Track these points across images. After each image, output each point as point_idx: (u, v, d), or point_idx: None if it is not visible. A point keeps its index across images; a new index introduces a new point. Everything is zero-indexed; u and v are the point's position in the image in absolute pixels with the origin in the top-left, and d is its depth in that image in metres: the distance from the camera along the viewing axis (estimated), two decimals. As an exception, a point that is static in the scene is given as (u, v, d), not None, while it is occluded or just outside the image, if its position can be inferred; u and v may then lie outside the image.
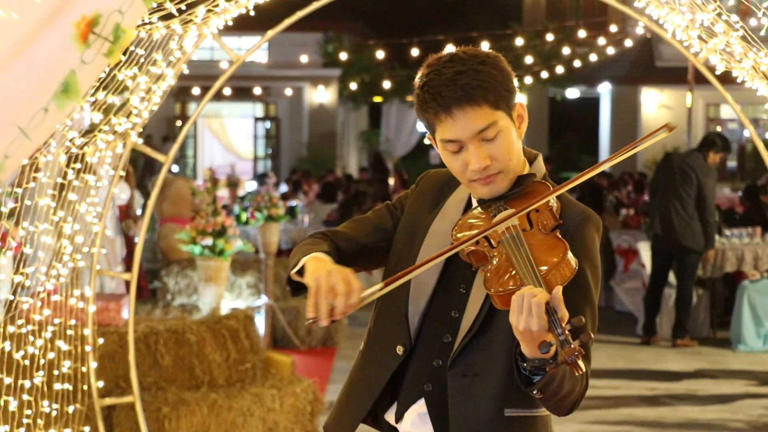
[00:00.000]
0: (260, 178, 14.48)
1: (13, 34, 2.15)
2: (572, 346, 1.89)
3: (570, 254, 2.05)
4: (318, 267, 2.13)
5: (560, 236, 2.10)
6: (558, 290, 1.94)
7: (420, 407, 2.23)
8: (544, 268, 2.02)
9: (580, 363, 1.89)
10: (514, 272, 2.04)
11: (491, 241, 2.12)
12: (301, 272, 2.20)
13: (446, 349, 2.20)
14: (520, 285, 2.00)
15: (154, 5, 2.75)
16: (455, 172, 2.19)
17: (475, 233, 2.12)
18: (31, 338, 3.37)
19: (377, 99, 22.95)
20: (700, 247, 8.48)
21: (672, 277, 8.91)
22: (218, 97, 18.00)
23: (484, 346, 2.15)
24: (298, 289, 2.25)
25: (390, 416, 2.30)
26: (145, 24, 2.90)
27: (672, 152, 9.13)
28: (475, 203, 2.25)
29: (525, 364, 2.01)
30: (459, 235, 2.18)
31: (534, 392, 2.01)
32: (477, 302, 2.16)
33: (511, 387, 2.12)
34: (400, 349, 2.24)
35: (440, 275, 2.23)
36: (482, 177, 2.14)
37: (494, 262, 2.09)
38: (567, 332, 1.90)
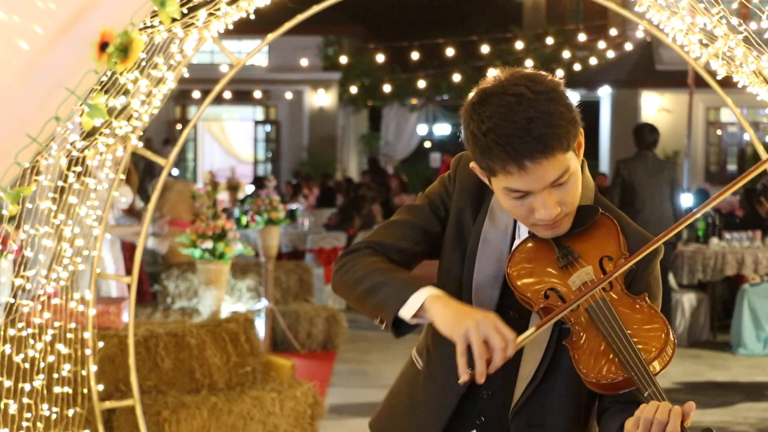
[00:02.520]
0: (258, 181, 14.50)
1: (33, 44, 2.17)
2: None
3: (671, 330, 1.88)
4: (456, 313, 1.90)
5: (649, 301, 1.93)
6: (692, 406, 1.79)
7: None
8: (647, 355, 1.84)
9: None
10: (611, 357, 1.85)
11: (564, 298, 1.94)
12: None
13: (496, 379, 2.01)
14: (625, 376, 1.83)
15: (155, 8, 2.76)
16: (516, 216, 2.00)
17: (559, 308, 1.91)
18: (31, 341, 3.37)
19: (377, 102, 22.95)
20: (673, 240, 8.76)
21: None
22: (218, 100, 18.02)
23: (548, 393, 2.02)
24: (402, 328, 2.00)
25: None
26: (147, 27, 2.91)
27: (625, 159, 9.06)
28: (524, 229, 2.07)
29: None
30: (523, 285, 1.99)
31: None
32: (538, 347, 2.01)
33: (575, 430, 2.03)
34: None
35: (500, 295, 2.06)
36: (548, 223, 1.96)
37: (580, 335, 1.91)
38: None
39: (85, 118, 2.39)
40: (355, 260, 2.09)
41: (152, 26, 2.91)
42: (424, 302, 1.94)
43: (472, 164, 2.03)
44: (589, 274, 1.96)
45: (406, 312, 1.96)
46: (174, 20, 2.80)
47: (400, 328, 2.02)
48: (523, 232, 2.10)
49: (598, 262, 1.98)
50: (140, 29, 2.85)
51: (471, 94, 1.97)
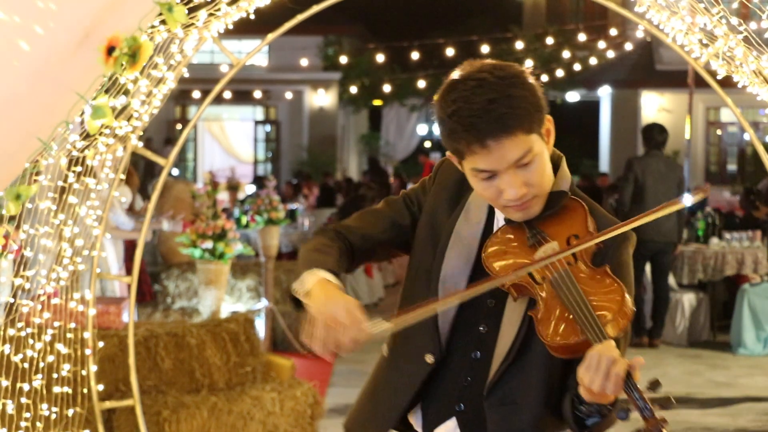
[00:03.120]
0: (258, 181, 14.50)
1: (33, 45, 2.17)
2: (656, 417, 1.81)
3: (627, 296, 1.96)
4: (325, 295, 2.02)
5: (610, 271, 2.00)
6: (640, 361, 1.86)
7: (451, 426, 2.16)
8: (603, 317, 1.92)
9: None
10: (570, 321, 1.94)
11: (534, 275, 2.03)
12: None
13: (476, 366, 2.13)
14: (582, 338, 1.91)
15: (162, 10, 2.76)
16: (487, 198, 2.09)
17: (521, 272, 2.01)
18: (31, 341, 3.37)
19: (377, 102, 22.94)
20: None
21: (663, 281, 8.94)
22: (218, 100, 18.01)
23: (521, 372, 2.08)
24: (301, 304, 2.13)
25: (416, 424, 2.22)
26: (147, 27, 2.91)
27: (637, 157, 9.11)
28: (501, 218, 2.16)
29: (582, 407, 1.96)
30: (496, 265, 2.07)
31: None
32: (512, 325, 2.08)
33: (549, 412, 2.08)
34: (429, 358, 2.14)
35: (467, 284, 2.13)
36: (517, 204, 2.05)
37: (543, 304, 1.99)
38: (647, 398, 1.83)
39: (90, 119, 2.41)
40: (314, 239, 2.24)
41: (152, 26, 2.91)
42: (313, 285, 2.07)
43: (448, 153, 2.12)
44: (554, 249, 2.05)
45: (300, 289, 2.11)
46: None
47: (299, 301, 2.14)
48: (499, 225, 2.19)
49: (565, 241, 2.06)
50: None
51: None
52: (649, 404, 1.82)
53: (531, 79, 2.04)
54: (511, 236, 2.10)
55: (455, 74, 2.06)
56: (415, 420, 2.23)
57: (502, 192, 2.03)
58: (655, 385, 1.84)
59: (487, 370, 2.10)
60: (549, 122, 2.08)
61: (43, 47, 2.20)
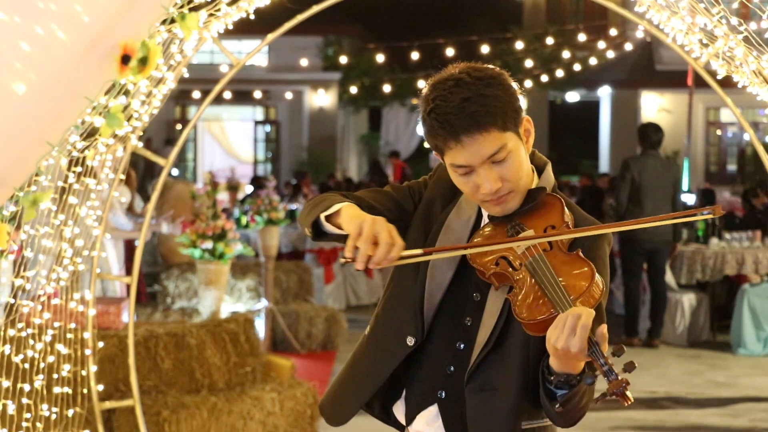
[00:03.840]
0: (256, 181, 14.49)
1: (33, 45, 2.18)
2: (619, 378, 1.90)
3: (597, 276, 2.06)
4: (360, 213, 2.10)
5: (582, 255, 2.10)
6: (603, 328, 1.95)
7: (432, 412, 2.24)
8: (574, 295, 2.02)
9: (629, 394, 1.91)
10: (543, 299, 2.04)
11: (512, 263, 2.13)
12: (329, 218, 2.18)
13: (459, 356, 2.21)
14: (553, 313, 2.00)
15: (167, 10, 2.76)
16: (466, 193, 2.20)
17: (496, 249, 2.13)
18: (31, 341, 3.37)
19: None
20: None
21: (664, 281, 8.93)
22: (218, 100, 18.02)
23: (500, 359, 2.17)
24: (320, 234, 2.21)
25: (399, 413, 2.31)
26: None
27: (634, 157, 9.16)
28: (486, 216, 2.26)
29: (552, 378, 2.02)
30: (476, 256, 2.17)
31: (556, 406, 2.03)
32: (493, 315, 2.17)
33: (526, 399, 2.15)
34: (410, 340, 2.23)
35: (453, 275, 2.23)
36: (494, 198, 2.15)
37: (520, 287, 2.09)
38: (611, 363, 1.91)
39: (104, 127, 2.43)
40: (325, 194, 2.32)
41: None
42: (342, 206, 2.15)
43: (436, 154, 2.22)
44: (526, 236, 2.16)
45: (322, 212, 2.18)
46: (173, 20, 2.81)
47: (319, 233, 2.23)
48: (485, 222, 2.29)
49: (542, 230, 2.17)
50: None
51: None
52: (612, 367, 1.90)
53: (509, 82, 2.14)
54: (494, 230, 2.22)
55: (437, 76, 2.17)
56: (399, 410, 2.31)
57: (479, 187, 2.13)
58: (618, 350, 1.91)
59: (469, 360, 2.19)
60: (528, 123, 2.19)
61: (52, 52, 2.20)
